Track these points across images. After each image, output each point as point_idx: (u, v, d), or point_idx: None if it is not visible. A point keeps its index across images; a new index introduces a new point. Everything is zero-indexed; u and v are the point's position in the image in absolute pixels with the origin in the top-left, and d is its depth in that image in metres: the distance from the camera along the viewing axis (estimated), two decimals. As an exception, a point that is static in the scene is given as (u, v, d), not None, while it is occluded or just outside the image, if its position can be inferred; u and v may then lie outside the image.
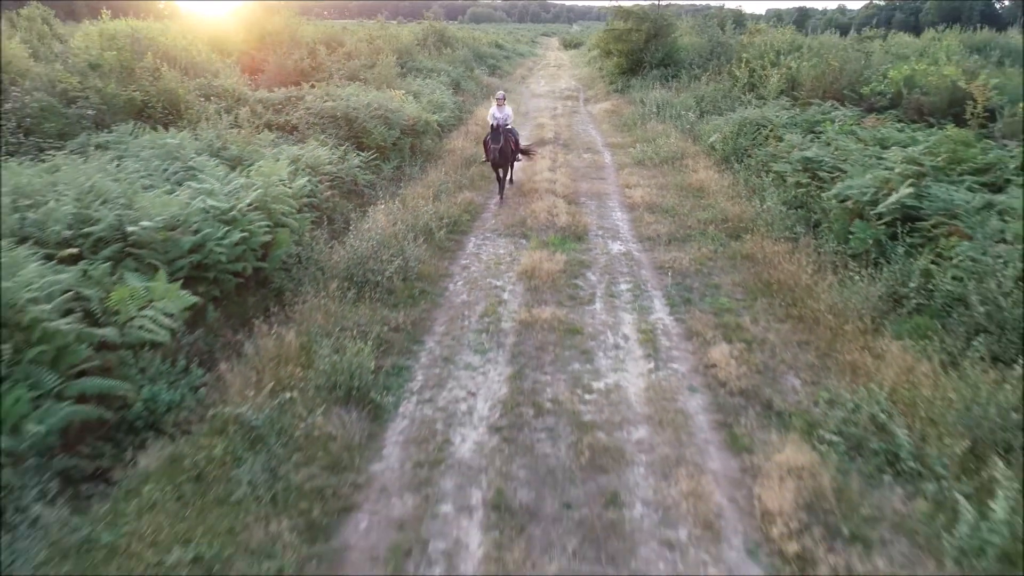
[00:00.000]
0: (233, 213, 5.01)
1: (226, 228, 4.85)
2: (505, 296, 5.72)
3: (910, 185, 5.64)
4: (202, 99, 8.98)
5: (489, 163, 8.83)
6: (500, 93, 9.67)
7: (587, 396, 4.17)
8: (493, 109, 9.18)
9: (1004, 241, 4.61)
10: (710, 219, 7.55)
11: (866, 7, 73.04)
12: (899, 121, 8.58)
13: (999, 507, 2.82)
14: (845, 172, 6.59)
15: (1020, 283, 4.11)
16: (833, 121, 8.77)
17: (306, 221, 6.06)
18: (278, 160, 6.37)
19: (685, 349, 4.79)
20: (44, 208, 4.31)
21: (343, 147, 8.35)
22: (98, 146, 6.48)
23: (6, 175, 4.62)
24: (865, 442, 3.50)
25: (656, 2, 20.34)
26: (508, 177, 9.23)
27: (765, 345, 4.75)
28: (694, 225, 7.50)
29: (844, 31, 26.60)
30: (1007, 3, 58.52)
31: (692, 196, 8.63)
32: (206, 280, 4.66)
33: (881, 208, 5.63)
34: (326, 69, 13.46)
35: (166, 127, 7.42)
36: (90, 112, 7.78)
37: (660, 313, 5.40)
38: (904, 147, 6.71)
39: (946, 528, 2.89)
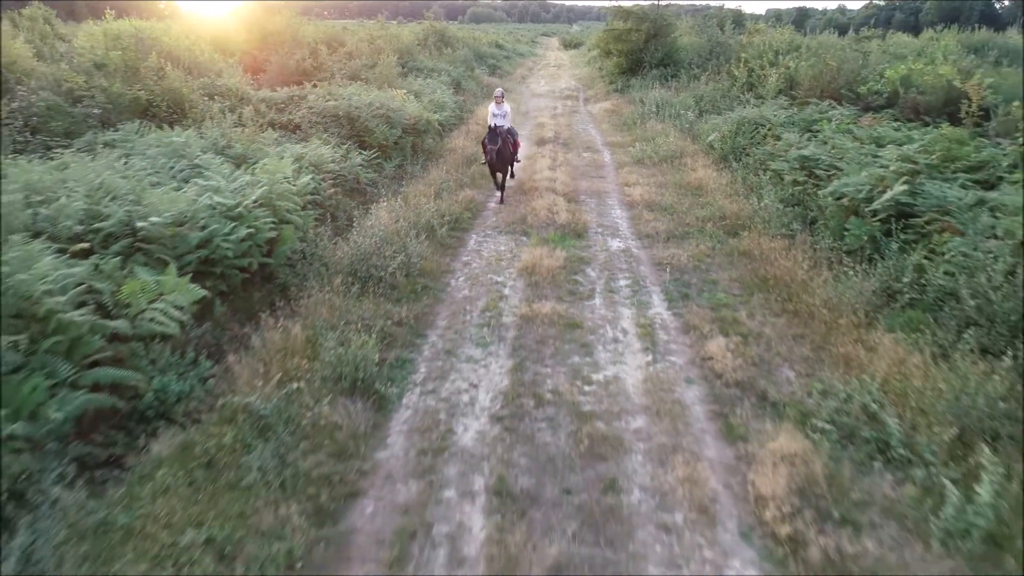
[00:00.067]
0: (239, 210, 5.11)
1: (232, 224, 4.95)
2: (506, 291, 5.82)
3: (904, 182, 5.74)
4: (206, 98, 9.07)
5: (487, 165, 8.79)
6: (499, 90, 9.63)
7: (586, 388, 4.27)
8: (492, 107, 9.16)
9: (995, 237, 4.71)
10: (708, 217, 7.64)
11: (866, 7, 73.18)
12: (895, 120, 8.69)
13: (984, 491, 2.92)
14: (841, 170, 6.69)
15: (1010, 277, 4.21)
16: (830, 120, 8.87)
17: (310, 218, 6.17)
18: (282, 158, 6.47)
19: (682, 342, 4.89)
20: (56, 204, 4.41)
21: (345, 146, 8.45)
22: (105, 144, 6.58)
23: (17, 172, 4.72)
24: (857, 431, 3.60)
25: (656, 2, 20.44)
26: (508, 176, 9.17)
27: (761, 338, 4.85)
28: (692, 222, 7.60)
29: (844, 31, 26.71)
30: (1007, 3, 58.62)
31: (691, 194, 8.72)
32: (213, 275, 4.76)
33: (876, 205, 5.73)
34: (328, 69, 13.56)
35: (171, 126, 7.51)
36: (96, 111, 7.88)
37: (658, 308, 5.50)
38: (899, 145, 6.81)
39: (933, 512, 2.99)
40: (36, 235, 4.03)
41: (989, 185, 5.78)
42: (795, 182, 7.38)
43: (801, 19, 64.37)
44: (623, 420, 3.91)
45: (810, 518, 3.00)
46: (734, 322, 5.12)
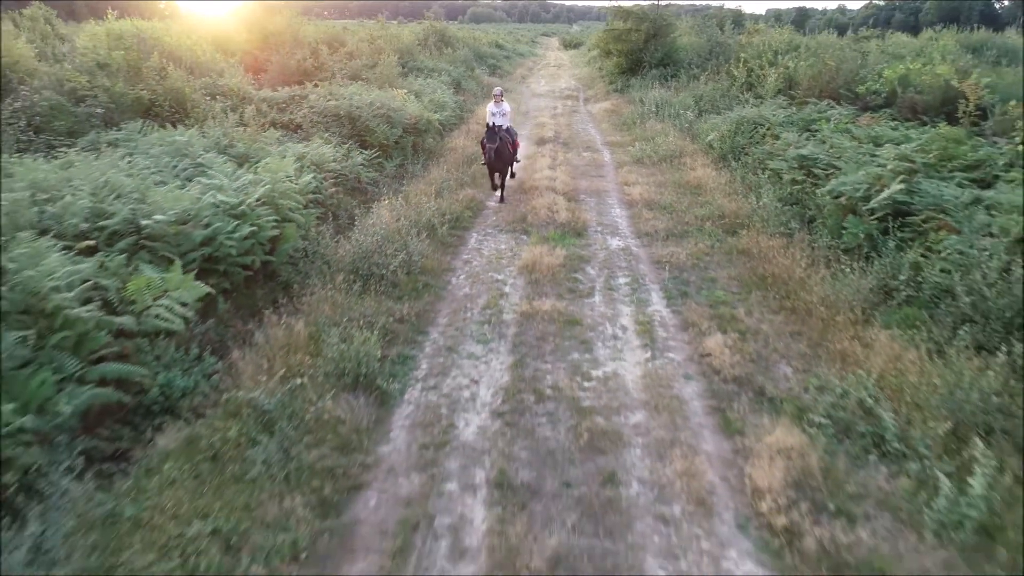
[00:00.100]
0: (242, 208, 5.16)
1: (236, 222, 5.00)
2: (506, 289, 5.87)
3: (901, 181, 5.79)
4: (208, 98, 9.12)
5: (486, 165, 8.70)
6: (497, 89, 9.54)
7: (586, 383, 4.32)
8: (490, 106, 9.06)
9: (990, 235, 4.76)
10: (707, 215, 7.69)
11: (865, 7, 73.29)
12: (893, 119, 8.75)
13: (977, 483, 2.97)
14: (839, 169, 6.74)
15: (1004, 275, 4.26)
16: (829, 120, 8.93)
17: (312, 217, 6.22)
18: (284, 157, 6.52)
19: (681, 339, 4.94)
20: (61, 202, 4.46)
21: (347, 145, 8.49)
22: (109, 143, 6.63)
23: (23, 170, 4.77)
24: (853, 425, 3.65)
25: (656, 2, 20.48)
26: (508, 176, 9.09)
27: (759, 335, 4.90)
28: (691, 221, 7.65)
29: (843, 31, 26.78)
30: (1006, 3, 58.70)
31: (690, 193, 8.78)
32: (217, 272, 4.80)
33: (873, 204, 5.78)
34: (328, 69, 13.61)
35: (173, 125, 7.56)
36: (99, 110, 7.93)
37: (657, 305, 5.55)
38: (897, 144, 6.87)
39: (927, 503, 3.05)
40: (43, 232, 4.08)
41: (985, 184, 5.84)
42: (793, 181, 7.43)
43: (801, 19, 64.47)
44: (622, 415, 3.96)
45: (806, 510, 3.05)
46: (732, 319, 5.17)
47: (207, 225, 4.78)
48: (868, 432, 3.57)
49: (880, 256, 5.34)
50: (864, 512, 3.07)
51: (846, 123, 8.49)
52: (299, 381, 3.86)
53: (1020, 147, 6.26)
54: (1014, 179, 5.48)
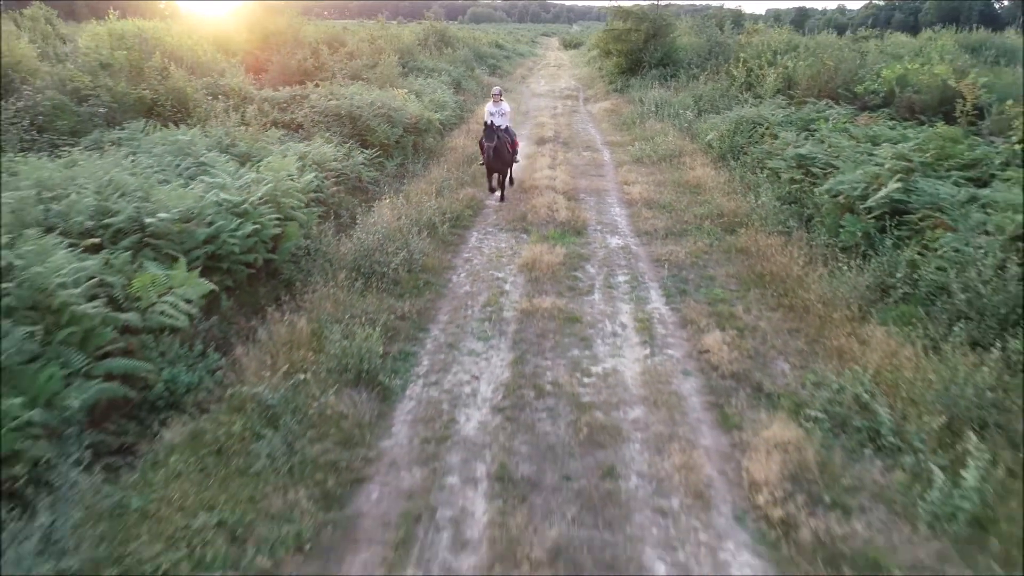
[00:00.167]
0: (245, 206, 5.21)
1: (238, 220, 5.05)
2: (507, 287, 5.92)
3: (899, 180, 5.84)
4: (209, 98, 9.17)
5: (485, 165, 8.51)
6: (496, 88, 9.36)
7: (586, 379, 4.37)
8: (489, 106, 8.84)
9: (986, 232, 4.81)
10: (706, 214, 7.74)
11: (865, 7, 73.38)
12: (891, 119, 8.80)
13: (970, 476, 3.02)
14: (837, 168, 6.79)
15: (999, 272, 4.31)
16: (827, 119, 8.98)
17: (314, 215, 6.27)
18: (286, 156, 6.57)
19: (680, 336, 4.99)
20: (66, 200, 4.51)
21: (347, 144, 8.54)
22: (112, 143, 6.68)
23: (28, 169, 4.82)
24: (849, 420, 3.69)
25: (655, 2, 20.53)
26: (507, 179, 8.90)
27: (756, 332, 4.95)
28: (690, 220, 7.69)
29: (843, 31, 26.83)
30: (1006, 3, 58.78)
31: (689, 192, 8.82)
32: (220, 270, 4.85)
33: (871, 202, 5.83)
34: (329, 69, 13.66)
35: (176, 124, 7.61)
36: (102, 110, 7.98)
37: (656, 303, 5.60)
38: (894, 144, 6.92)
39: (921, 496, 3.09)
40: (48, 230, 4.13)
41: (982, 182, 5.89)
42: (792, 180, 7.48)
43: (801, 19, 64.54)
44: (621, 410, 4.01)
45: (802, 502, 3.10)
46: (730, 316, 5.22)
47: (210, 223, 4.83)
48: (864, 427, 3.62)
49: (877, 254, 5.39)
50: (859, 504, 3.12)
51: (844, 123, 8.54)
52: (302, 377, 3.91)
53: (1016, 146, 6.31)
54: (1010, 177, 5.53)
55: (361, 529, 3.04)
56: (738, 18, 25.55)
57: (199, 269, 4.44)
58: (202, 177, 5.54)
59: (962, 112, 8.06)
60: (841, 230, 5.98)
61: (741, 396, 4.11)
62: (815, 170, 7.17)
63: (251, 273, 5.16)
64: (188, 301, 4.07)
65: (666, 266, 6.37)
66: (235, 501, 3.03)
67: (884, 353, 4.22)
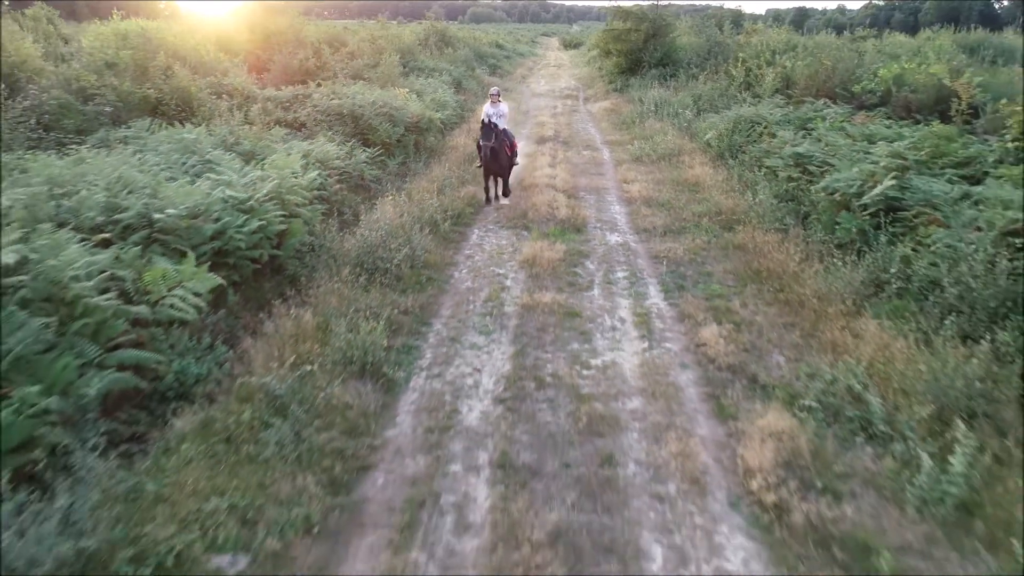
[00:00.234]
0: (251, 203, 5.31)
1: (244, 217, 5.15)
2: (508, 283, 6.02)
3: (894, 178, 5.94)
4: (213, 97, 9.27)
5: (482, 168, 8.18)
6: (494, 89, 9.08)
7: (585, 372, 4.47)
8: (487, 107, 8.50)
9: (978, 228, 4.90)
10: (704, 212, 7.84)
11: (865, 7, 73.45)
12: (888, 118, 8.90)
13: (957, 461, 3.12)
14: (833, 166, 6.88)
15: (990, 267, 4.41)
16: (824, 118, 9.08)
17: (317, 212, 6.36)
18: (289, 154, 6.67)
19: (677, 330, 5.08)
20: (77, 197, 4.60)
21: (350, 143, 8.64)
22: (119, 141, 6.78)
23: (39, 166, 4.92)
24: (841, 410, 3.79)
25: (655, 2, 20.64)
26: (501, 188, 8.59)
27: (753, 326, 5.05)
28: (689, 218, 7.79)
29: (842, 31, 26.90)
30: (1006, 3, 58.88)
31: (688, 190, 8.92)
32: (227, 265, 4.94)
33: (866, 199, 5.92)
34: (330, 68, 13.76)
35: (181, 123, 7.70)
36: (107, 109, 8.08)
37: (655, 298, 5.69)
38: (890, 142, 7.02)
39: (910, 481, 3.18)
40: (60, 225, 4.23)
41: (975, 180, 5.98)
42: (789, 178, 7.58)
43: (800, 19, 64.63)
44: (620, 401, 4.10)
45: (794, 487, 3.19)
46: (727, 311, 5.32)
47: (217, 219, 4.93)
48: (856, 416, 3.71)
49: (872, 250, 5.48)
50: (850, 490, 3.22)
51: (841, 121, 8.63)
52: (309, 368, 4.01)
53: (1010, 144, 6.41)
54: (1002, 175, 5.62)
55: (367, 513, 3.14)
56: (738, 18, 25.64)
57: (207, 264, 4.54)
58: (208, 174, 5.64)
59: (957, 111, 8.16)
60: (837, 227, 6.08)
61: (737, 387, 4.21)
62: (812, 168, 7.27)
63: (257, 269, 5.25)
64: (197, 295, 4.16)
65: (664, 262, 6.46)
66: (245, 486, 3.13)
67: (877, 346, 4.32)
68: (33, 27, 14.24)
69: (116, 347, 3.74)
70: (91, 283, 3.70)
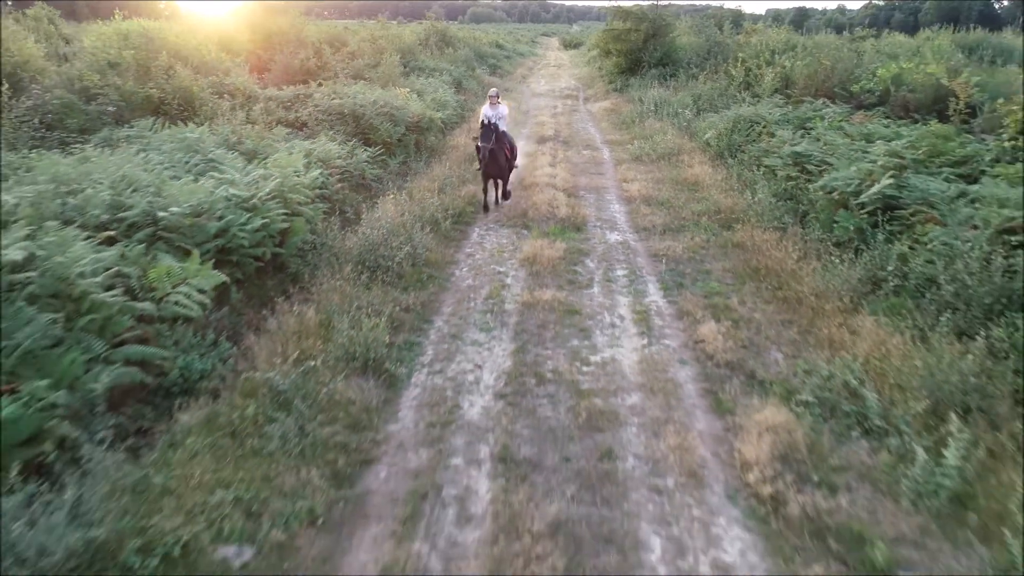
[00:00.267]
0: (253, 201, 5.36)
1: (247, 215, 5.20)
2: (508, 280, 6.07)
3: (891, 177, 5.99)
4: (215, 96, 9.32)
5: (481, 170, 7.97)
6: (493, 90, 8.88)
7: (585, 368, 4.52)
8: (485, 108, 8.32)
9: (974, 227, 4.95)
10: (703, 211, 7.89)
11: (865, 7, 73.52)
12: (886, 117, 8.96)
13: (951, 455, 3.17)
14: (832, 165, 6.94)
15: (985, 264, 4.46)
16: (823, 118, 9.13)
17: (319, 211, 6.41)
18: (291, 153, 6.72)
19: (676, 327, 5.13)
20: (83, 195, 4.65)
21: (351, 143, 8.69)
22: (122, 140, 6.83)
23: (45, 165, 4.97)
24: (838, 405, 3.84)
25: (655, 2, 20.69)
26: (501, 191, 8.51)
27: (751, 323, 5.10)
28: (688, 216, 7.84)
29: (842, 31, 26.94)
30: (1006, 3, 58.93)
31: (687, 189, 8.97)
32: (230, 263, 4.99)
33: (864, 198, 5.97)
34: (331, 68, 13.81)
35: (183, 122, 7.76)
36: (110, 108, 8.15)
37: (654, 296, 5.74)
38: (888, 141, 7.07)
39: (905, 474, 3.23)
40: (66, 223, 4.28)
41: (972, 179, 6.04)
42: (788, 177, 7.63)
43: (800, 19, 64.67)
44: (619, 396, 4.15)
45: (790, 480, 3.24)
46: (726, 308, 5.37)
47: (220, 217, 4.98)
48: (852, 411, 3.76)
49: (869, 248, 5.53)
50: (845, 482, 3.27)
51: (840, 121, 8.69)
52: (312, 364, 4.06)
53: (1007, 143, 6.46)
54: (999, 173, 5.67)
55: (371, 505, 3.19)
56: (737, 18, 25.70)
57: (211, 262, 4.60)
58: (211, 173, 5.69)
59: (955, 110, 8.21)
60: (835, 225, 6.13)
61: (735, 383, 4.26)
62: (810, 167, 7.32)
63: (259, 266, 5.30)
64: (201, 292, 4.22)
65: (664, 261, 6.51)
66: (250, 479, 3.17)
67: (874, 342, 4.37)
68: (34, 27, 14.30)
69: (122, 343, 3.79)
70: (97, 280, 3.75)
